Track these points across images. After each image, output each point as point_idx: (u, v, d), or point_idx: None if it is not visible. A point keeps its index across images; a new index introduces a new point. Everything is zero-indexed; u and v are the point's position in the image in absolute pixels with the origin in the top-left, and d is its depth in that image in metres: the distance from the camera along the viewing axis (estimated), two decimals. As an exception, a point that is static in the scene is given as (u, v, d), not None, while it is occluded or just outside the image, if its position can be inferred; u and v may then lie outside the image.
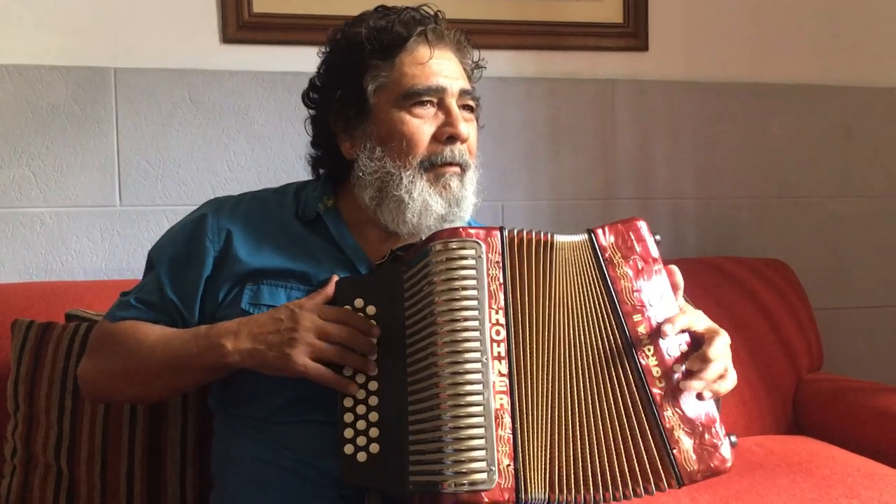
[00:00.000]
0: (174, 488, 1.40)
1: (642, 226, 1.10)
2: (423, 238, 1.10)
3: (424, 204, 1.19)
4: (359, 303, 1.12)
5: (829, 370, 2.09)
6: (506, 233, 1.07)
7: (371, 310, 1.11)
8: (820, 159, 2.29)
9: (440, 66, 1.22)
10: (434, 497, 1.01)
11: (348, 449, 1.08)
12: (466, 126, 1.22)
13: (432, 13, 1.26)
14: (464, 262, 1.04)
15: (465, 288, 1.03)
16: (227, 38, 1.91)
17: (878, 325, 2.32)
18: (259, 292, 1.19)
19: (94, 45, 1.84)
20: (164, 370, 1.15)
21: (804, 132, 2.27)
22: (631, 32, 2.14)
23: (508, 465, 1.00)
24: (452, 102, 1.22)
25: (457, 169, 1.21)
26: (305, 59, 1.90)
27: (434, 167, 1.20)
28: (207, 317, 1.21)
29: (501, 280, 1.05)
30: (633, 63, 2.16)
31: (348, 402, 1.09)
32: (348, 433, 1.08)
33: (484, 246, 1.05)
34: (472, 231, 1.06)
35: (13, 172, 1.79)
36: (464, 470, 0.99)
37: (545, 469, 1.03)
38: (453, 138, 1.20)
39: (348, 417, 1.09)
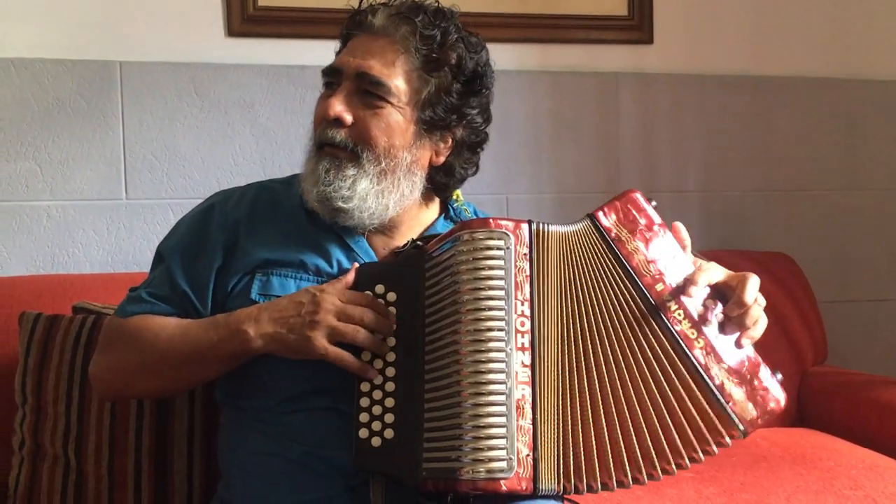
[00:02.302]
0: (181, 480, 1.41)
1: (638, 196, 1.11)
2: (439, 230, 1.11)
3: (304, 180, 1.21)
4: (379, 289, 1.12)
5: (833, 363, 2.09)
6: (534, 226, 1.07)
7: (391, 296, 1.12)
8: (824, 152, 2.29)
9: (354, 48, 1.20)
10: (449, 483, 1.01)
11: (363, 433, 1.08)
12: (340, 106, 1.17)
13: (380, 3, 1.22)
14: (491, 253, 1.05)
15: (491, 278, 1.04)
16: (232, 31, 1.91)
17: (882, 317, 2.33)
18: (269, 283, 1.19)
19: (99, 38, 1.84)
20: (184, 362, 1.16)
21: (808, 125, 2.27)
22: (635, 25, 2.14)
23: (528, 456, 1.01)
24: (345, 84, 1.19)
25: (335, 151, 1.18)
26: (310, 52, 1.93)
27: (321, 147, 1.20)
28: (218, 307, 1.21)
29: (528, 272, 1.06)
30: (638, 56, 2.16)
31: (365, 387, 1.10)
32: (363, 417, 1.09)
33: (512, 238, 1.06)
34: (502, 223, 1.07)
35: (19, 166, 1.80)
36: (482, 458, 1.00)
37: (559, 459, 1.03)
38: (324, 118, 1.18)
39: (364, 402, 1.09)
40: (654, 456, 1.03)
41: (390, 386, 1.09)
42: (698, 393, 1.05)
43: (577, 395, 1.05)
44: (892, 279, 2.34)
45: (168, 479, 1.40)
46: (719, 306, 1.08)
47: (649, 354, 1.06)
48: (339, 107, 1.17)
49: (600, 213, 1.10)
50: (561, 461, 1.03)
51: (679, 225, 1.13)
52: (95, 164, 1.84)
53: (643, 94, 2.16)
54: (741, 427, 1.04)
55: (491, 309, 1.03)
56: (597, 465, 1.03)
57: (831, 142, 2.29)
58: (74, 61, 1.82)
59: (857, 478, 1.51)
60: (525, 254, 1.06)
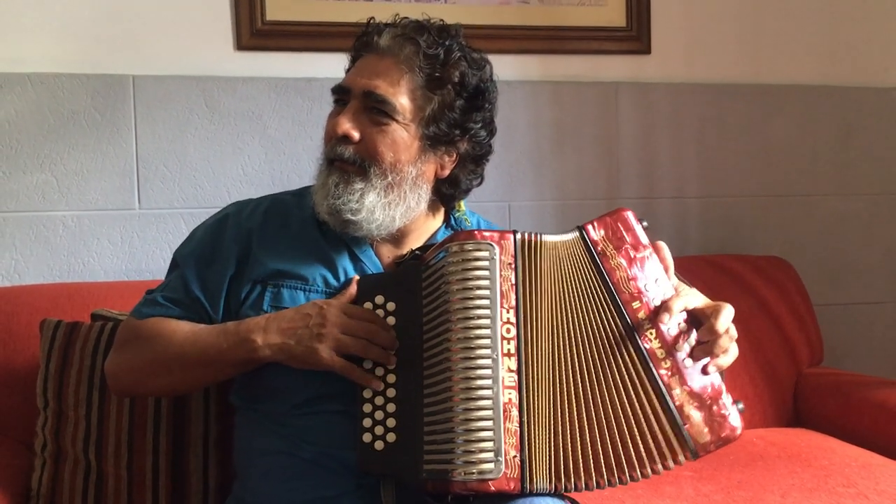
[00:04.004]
0: (198, 480, 1.45)
1: (629, 215, 1.15)
2: (437, 240, 1.15)
3: (315, 193, 1.26)
4: (380, 299, 1.17)
5: (828, 364, 2.12)
6: (518, 236, 1.12)
7: (391, 306, 1.17)
8: (819, 158, 2.32)
9: (362, 68, 1.25)
10: (445, 484, 1.06)
11: (366, 438, 1.14)
12: (348, 123, 1.22)
13: (386, 23, 1.27)
14: (478, 263, 1.10)
15: (478, 287, 1.09)
16: (241, 45, 1.95)
17: (876, 320, 2.36)
18: (279, 295, 1.24)
19: (112, 53, 1.89)
20: (194, 365, 1.21)
21: (804, 132, 2.31)
22: (633, 36, 2.19)
23: (515, 457, 1.06)
24: (353, 103, 1.23)
25: (344, 166, 1.23)
26: (317, 65, 1.97)
27: (331, 162, 1.25)
28: (231, 314, 1.26)
29: (513, 281, 1.10)
30: (636, 66, 2.20)
31: (367, 394, 1.15)
32: (366, 423, 1.14)
33: (497, 248, 1.10)
34: (487, 234, 1.11)
35: (36, 177, 1.85)
36: (473, 460, 1.05)
37: (550, 459, 1.08)
38: (333, 135, 1.23)
39: (367, 408, 1.15)
40: (625, 464, 1.08)
41: (391, 392, 1.14)
42: (660, 409, 1.09)
43: (566, 399, 1.10)
44: (885, 282, 2.37)
45: (185, 479, 1.45)
46: (694, 332, 1.11)
47: (621, 367, 1.10)
48: (346, 124, 1.22)
49: (590, 227, 1.14)
50: (553, 461, 1.08)
51: (663, 245, 1.16)
52: (109, 175, 1.88)
53: (642, 103, 2.20)
54: (693, 448, 1.08)
55: (479, 318, 1.08)
56: (582, 466, 1.08)
57: (827, 148, 2.33)
58: (89, 75, 1.87)
59: (851, 476, 1.54)
60: (510, 263, 1.10)
